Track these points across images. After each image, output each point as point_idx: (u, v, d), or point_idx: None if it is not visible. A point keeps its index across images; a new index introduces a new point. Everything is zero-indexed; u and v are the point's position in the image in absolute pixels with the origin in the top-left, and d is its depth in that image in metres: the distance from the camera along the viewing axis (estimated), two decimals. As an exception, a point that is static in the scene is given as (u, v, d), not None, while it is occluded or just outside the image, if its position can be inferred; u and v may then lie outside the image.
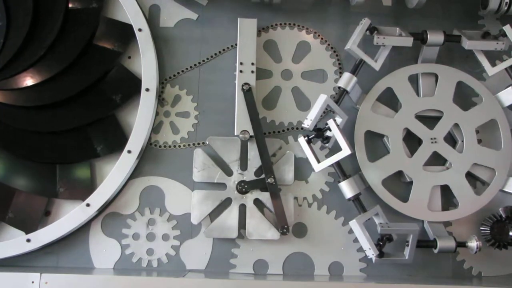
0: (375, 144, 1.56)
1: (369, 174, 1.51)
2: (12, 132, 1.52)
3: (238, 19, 1.59)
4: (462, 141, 1.54)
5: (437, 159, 1.54)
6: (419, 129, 1.53)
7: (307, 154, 1.47)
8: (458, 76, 1.57)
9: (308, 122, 1.45)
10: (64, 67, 1.51)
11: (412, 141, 1.55)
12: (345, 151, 1.42)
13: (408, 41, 1.52)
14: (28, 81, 1.50)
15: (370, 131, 1.54)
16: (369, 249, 1.42)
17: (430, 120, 1.55)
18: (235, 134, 1.52)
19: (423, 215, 1.50)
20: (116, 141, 1.52)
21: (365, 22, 1.52)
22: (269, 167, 1.50)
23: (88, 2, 1.57)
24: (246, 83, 1.54)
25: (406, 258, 1.45)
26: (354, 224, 1.44)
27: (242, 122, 1.53)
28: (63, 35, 1.53)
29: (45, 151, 1.51)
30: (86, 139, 1.52)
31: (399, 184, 1.55)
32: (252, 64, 1.56)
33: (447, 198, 1.54)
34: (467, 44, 1.54)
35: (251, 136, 1.52)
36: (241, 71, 1.56)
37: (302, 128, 1.56)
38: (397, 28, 1.55)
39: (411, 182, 1.52)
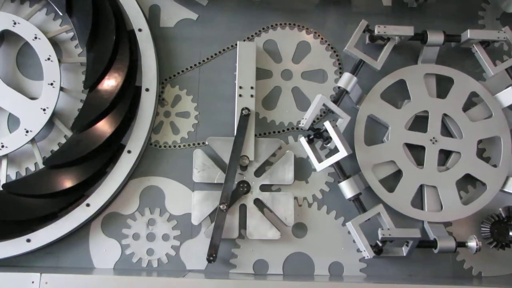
0: (374, 140, 1.57)
1: (362, 156, 1.51)
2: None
3: (238, 42, 1.58)
4: (461, 137, 1.54)
5: (434, 160, 1.54)
6: (422, 127, 1.54)
7: (308, 154, 1.47)
8: (472, 86, 1.56)
9: (303, 121, 1.46)
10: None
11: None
12: (342, 152, 1.43)
13: (409, 30, 1.52)
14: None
15: (372, 122, 1.54)
16: (364, 250, 1.43)
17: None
18: None
19: (405, 209, 1.50)
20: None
21: (362, 24, 1.52)
22: (227, 195, 1.47)
23: None
24: (245, 108, 1.52)
25: (404, 254, 1.46)
26: (350, 226, 1.45)
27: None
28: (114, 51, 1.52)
29: (49, 204, 1.47)
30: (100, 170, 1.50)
31: (397, 183, 1.54)
32: (252, 88, 1.55)
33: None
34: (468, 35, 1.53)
35: (250, 161, 1.52)
36: (240, 95, 1.55)
37: (298, 128, 1.57)
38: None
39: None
